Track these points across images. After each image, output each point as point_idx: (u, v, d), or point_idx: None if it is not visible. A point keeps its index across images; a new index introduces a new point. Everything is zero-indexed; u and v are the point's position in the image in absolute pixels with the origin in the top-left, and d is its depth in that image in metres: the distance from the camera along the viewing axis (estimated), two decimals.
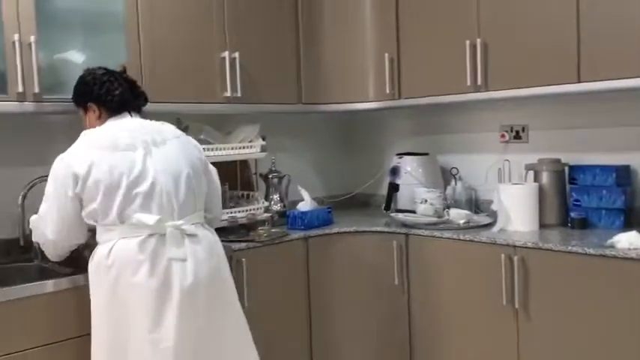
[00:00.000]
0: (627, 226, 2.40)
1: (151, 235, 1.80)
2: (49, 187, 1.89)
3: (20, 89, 2.06)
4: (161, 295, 1.77)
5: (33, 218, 1.97)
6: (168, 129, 2.02)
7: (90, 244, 1.97)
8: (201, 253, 1.87)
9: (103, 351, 1.81)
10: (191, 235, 1.87)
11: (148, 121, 2.01)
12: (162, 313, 1.77)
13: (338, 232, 2.75)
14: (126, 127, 1.93)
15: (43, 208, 1.91)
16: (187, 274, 1.81)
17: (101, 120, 1.99)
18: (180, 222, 1.85)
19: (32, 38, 2.08)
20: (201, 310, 1.84)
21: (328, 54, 3.00)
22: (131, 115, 2.01)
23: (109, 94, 1.97)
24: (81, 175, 1.80)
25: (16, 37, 2.05)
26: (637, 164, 2.52)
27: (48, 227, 1.90)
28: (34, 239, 2.01)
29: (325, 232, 2.74)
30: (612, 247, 2.09)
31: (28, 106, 2.09)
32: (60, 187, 1.84)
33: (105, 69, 2.05)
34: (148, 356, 1.76)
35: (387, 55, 2.90)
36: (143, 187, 1.82)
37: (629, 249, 2.04)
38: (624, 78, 2.20)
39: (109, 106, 1.98)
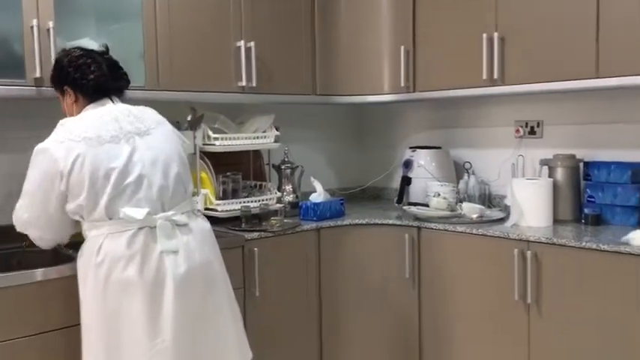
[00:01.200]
0: None
1: (140, 229, 1.75)
2: (31, 181, 1.80)
3: (38, 74, 2.07)
4: (155, 289, 1.73)
5: (16, 215, 1.88)
6: (151, 116, 1.93)
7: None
8: (193, 243, 1.83)
9: (97, 349, 1.74)
10: (182, 225, 1.83)
11: (129, 107, 1.91)
12: (158, 309, 1.72)
13: (350, 224, 2.75)
14: (108, 116, 1.83)
15: (24, 202, 1.83)
16: (180, 264, 1.77)
17: (78, 105, 1.90)
18: (170, 212, 1.81)
19: (50, 24, 2.09)
20: (195, 301, 1.80)
21: (343, 46, 2.99)
22: (112, 101, 1.91)
23: (84, 77, 1.86)
24: (65, 172, 1.73)
25: (34, 22, 2.06)
26: None
27: (32, 223, 1.84)
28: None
29: (337, 224, 2.74)
30: (627, 244, 2.08)
31: (46, 91, 2.08)
32: (43, 183, 1.77)
33: (82, 49, 1.94)
34: (144, 354, 1.71)
35: (402, 47, 2.89)
36: (130, 180, 1.76)
37: None
38: None
39: (85, 90, 1.88)
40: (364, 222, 2.76)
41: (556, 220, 2.54)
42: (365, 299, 2.76)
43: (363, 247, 2.75)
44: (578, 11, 2.34)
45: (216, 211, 2.60)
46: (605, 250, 2.10)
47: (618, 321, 2.09)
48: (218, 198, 2.65)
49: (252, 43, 2.65)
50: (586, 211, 2.52)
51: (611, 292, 2.10)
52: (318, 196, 2.82)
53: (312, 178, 2.90)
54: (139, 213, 1.75)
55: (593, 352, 2.16)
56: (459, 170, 3.08)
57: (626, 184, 2.47)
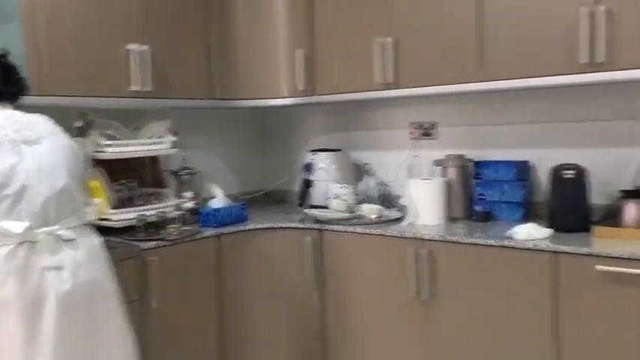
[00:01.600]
0: (526, 218, 2.53)
1: (20, 244, 1.63)
2: None
3: None
4: (34, 309, 1.62)
5: None
6: (43, 125, 1.82)
7: None
8: (80, 259, 1.74)
9: None
10: (68, 240, 1.73)
11: (20, 114, 1.80)
12: (37, 328, 1.63)
13: (252, 229, 2.73)
14: None
15: None
16: (65, 280, 1.68)
17: None
18: (55, 227, 1.71)
19: None
20: (80, 320, 1.71)
21: (241, 49, 2.96)
22: (1, 106, 1.80)
23: None
24: None
25: None
26: (535, 160, 2.66)
27: None
28: None
29: (239, 229, 2.70)
30: (511, 238, 2.20)
31: None
32: None
33: None
34: None
35: (299, 51, 2.91)
36: (10, 191, 1.64)
37: (527, 240, 2.16)
38: (523, 77, 2.31)
39: None
40: (266, 226, 2.75)
41: (449, 218, 2.64)
42: (270, 303, 2.74)
43: (266, 252, 2.74)
44: (462, 16, 2.44)
45: (111, 220, 2.49)
46: (491, 245, 2.21)
47: (505, 313, 2.20)
48: (113, 207, 2.54)
49: (146, 46, 2.57)
50: (476, 208, 2.64)
51: (498, 285, 2.21)
52: (218, 201, 2.78)
53: (210, 184, 2.86)
54: (17, 227, 1.63)
55: (484, 343, 2.26)
56: (359, 172, 3.13)
57: (512, 181, 2.61)
